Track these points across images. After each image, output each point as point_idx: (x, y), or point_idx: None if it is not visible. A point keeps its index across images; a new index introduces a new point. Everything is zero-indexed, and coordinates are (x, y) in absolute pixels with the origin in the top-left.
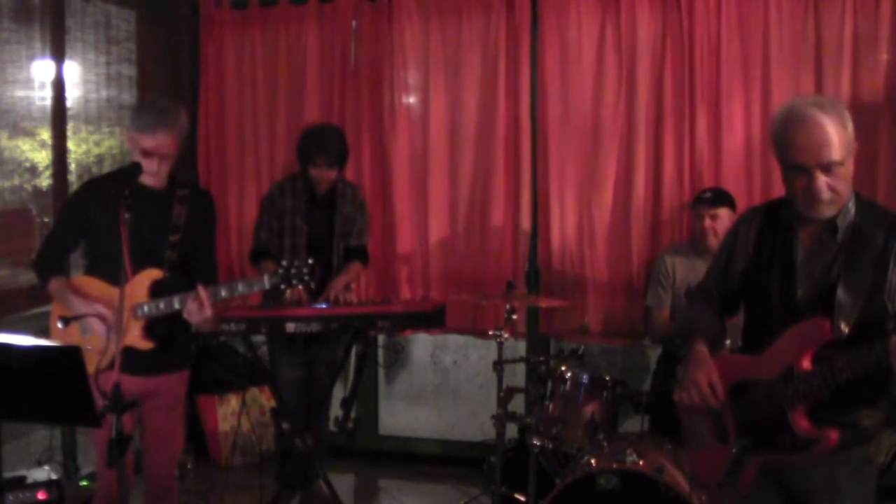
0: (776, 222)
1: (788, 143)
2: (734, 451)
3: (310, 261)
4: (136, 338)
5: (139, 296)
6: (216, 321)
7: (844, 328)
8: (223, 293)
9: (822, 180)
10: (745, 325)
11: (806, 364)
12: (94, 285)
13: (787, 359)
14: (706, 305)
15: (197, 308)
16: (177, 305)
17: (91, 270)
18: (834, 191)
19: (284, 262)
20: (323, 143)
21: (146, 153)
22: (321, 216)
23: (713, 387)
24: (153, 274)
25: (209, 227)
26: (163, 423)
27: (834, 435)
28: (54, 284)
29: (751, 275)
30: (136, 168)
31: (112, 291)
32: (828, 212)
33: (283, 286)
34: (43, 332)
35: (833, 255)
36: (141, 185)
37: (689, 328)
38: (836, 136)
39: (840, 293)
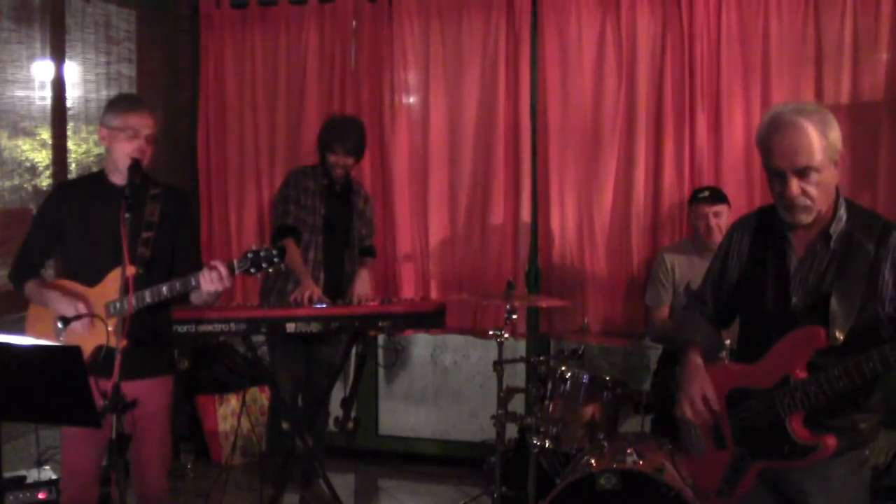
0: (770, 229)
1: (768, 147)
2: (732, 458)
3: (278, 244)
4: (109, 335)
5: (112, 294)
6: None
7: (839, 336)
8: (193, 283)
9: (795, 184)
10: (741, 333)
11: (801, 372)
12: (65, 287)
13: (783, 367)
14: (701, 314)
15: (217, 277)
16: (148, 299)
17: (65, 273)
18: (808, 196)
19: (254, 247)
20: (343, 130)
21: (133, 133)
22: (339, 205)
23: (708, 401)
24: (127, 271)
25: (187, 224)
26: (147, 431)
27: (831, 441)
28: (29, 286)
29: (745, 282)
30: (103, 171)
31: (88, 292)
32: (803, 218)
33: (252, 270)
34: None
35: (826, 262)
36: (111, 184)
37: (683, 338)
38: (814, 141)
39: (834, 302)
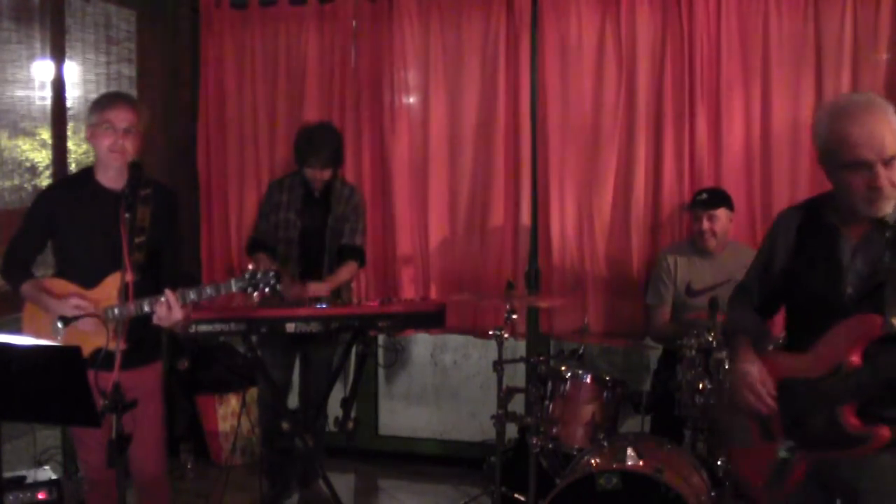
0: (817, 221)
1: (845, 139)
2: (782, 450)
3: (274, 268)
4: (110, 338)
5: (110, 298)
6: (185, 323)
7: None
8: (192, 296)
9: (885, 175)
10: (788, 326)
11: (855, 360)
12: (66, 288)
13: (836, 355)
14: (747, 306)
15: (165, 312)
16: (146, 308)
17: (60, 273)
18: (894, 185)
19: (251, 267)
20: (315, 144)
21: (108, 127)
22: (316, 213)
23: (767, 388)
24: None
25: (173, 226)
26: (141, 416)
27: (884, 432)
28: (27, 287)
29: (792, 275)
30: (92, 170)
31: (86, 294)
32: (887, 208)
33: (249, 290)
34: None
35: (882, 251)
36: (100, 185)
37: (732, 329)
38: (891, 129)
39: (889, 289)
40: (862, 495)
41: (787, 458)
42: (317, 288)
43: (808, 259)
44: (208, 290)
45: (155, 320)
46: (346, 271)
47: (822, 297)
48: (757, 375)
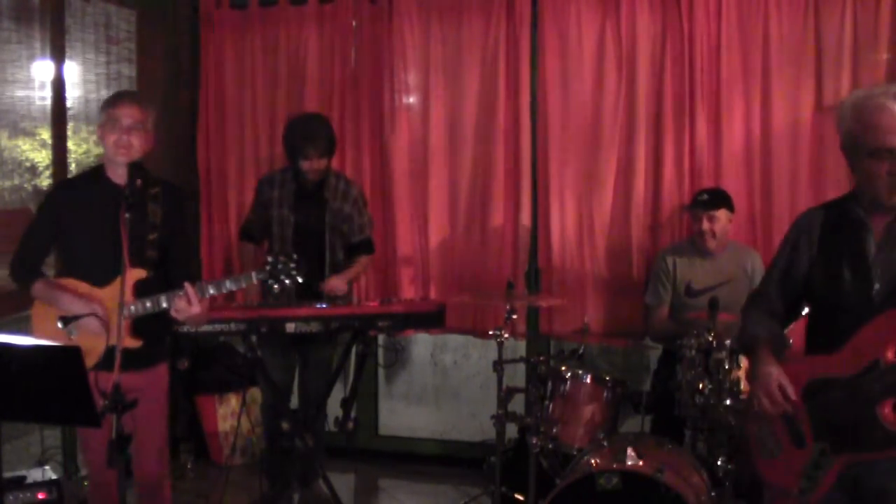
0: (841, 220)
1: (872, 127)
2: (812, 454)
3: (295, 256)
4: (121, 336)
5: (125, 296)
6: (205, 318)
7: None
8: (211, 290)
9: None
10: (811, 328)
11: (892, 356)
12: (76, 286)
13: (871, 352)
14: (764, 312)
15: (185, 305)
16: (164, 304)
17: (67, 272)
18: None
19: (270, 258)
20: (311, 133)
21: (113, 123)
22: (310, 208)
23: (786, 391)
24: (137, 274)
25: (182, 223)
26: (146, 417)
27: None
28: (40, 286)
29: (818, 273)
30: (102, 168)
31: (95, 292)
32: None
33: (270, 282)
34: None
35: None
36: (110, 182)
37: (749, 337)
38: None
39: None
40: (891, 495)
41: (820, 461)
42: (335, 283)
43: (833, 256)
44: (228, 284)
45: (173, 314)
46: (360, 265)
47: (849, 295)
48: (775, 378)
